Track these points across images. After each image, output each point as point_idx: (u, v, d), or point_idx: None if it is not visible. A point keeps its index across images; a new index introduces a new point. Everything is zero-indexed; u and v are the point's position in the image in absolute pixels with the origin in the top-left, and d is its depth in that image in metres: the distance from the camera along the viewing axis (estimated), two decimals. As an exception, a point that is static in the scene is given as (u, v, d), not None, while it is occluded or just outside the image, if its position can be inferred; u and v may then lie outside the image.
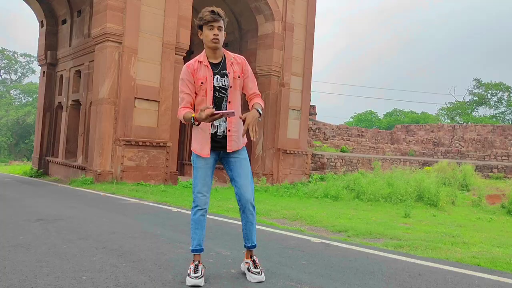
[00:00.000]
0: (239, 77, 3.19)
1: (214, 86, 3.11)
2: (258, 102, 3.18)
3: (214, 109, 2.89)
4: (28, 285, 2.87)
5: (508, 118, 47.45)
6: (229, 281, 3.14)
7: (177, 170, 14.28)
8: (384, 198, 12.10)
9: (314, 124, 26.35)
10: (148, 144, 12.44)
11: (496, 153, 23.92)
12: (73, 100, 15.08)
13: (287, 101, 16.24)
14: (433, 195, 12.13)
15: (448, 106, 50.09)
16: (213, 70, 3.12)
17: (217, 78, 3.12)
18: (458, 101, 49.93)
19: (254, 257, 3.21)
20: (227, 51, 3.25)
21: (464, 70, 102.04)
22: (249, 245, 3.23)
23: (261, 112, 3.10)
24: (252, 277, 3.11)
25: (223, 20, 3.09)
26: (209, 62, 3.14)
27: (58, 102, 16.30)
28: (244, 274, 3.25)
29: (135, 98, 12.32)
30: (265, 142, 16.19)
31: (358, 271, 3.66)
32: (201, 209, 3.12)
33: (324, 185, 13.89)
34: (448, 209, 11.66)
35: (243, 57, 3.31)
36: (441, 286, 3.32)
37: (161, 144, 12.74)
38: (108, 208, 7.21)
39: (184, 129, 19.61)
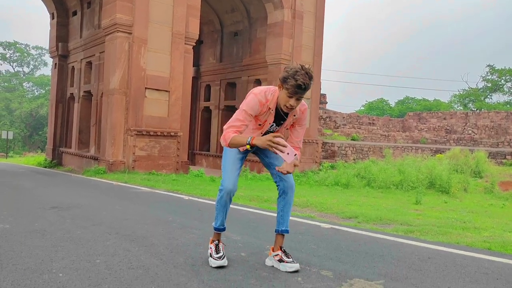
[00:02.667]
0: (287, 128, 3.22)
1: (267, 130, 3.13)
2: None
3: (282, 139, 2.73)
4: (44, 268, 2.95)
5: (522, 104, 46.68)
6: (239, 264, 3.20)
7: (188, 159, 14.39)
8: (395, 185, 12.08)
9: (325, 112, 26.25)
10: (159, 134, 12.54)
11: (510, 139, 23.63)
12: (84, 91, 15.23)
13: (297, 90, 16.16)
14: (444, 182, 12.08)
15: (461, 93, 49.43)
16: (274, 119, 3.07)
17: (273, 125, 3.11)
18: (471, 88, 49.23)
19: (284, 248, 3.16)
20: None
21: (478, 56, 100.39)
22: (283, 228, 3.14)
23: (297, 161, 2.94)
24: (288, 267, 3.02)
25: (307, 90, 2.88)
26: (276, 110, 3.04)
27: (70, 93, 16.47)
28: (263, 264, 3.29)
29: (146, 88, 12.40)
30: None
31: (367, 255, 3.69)
32: (229, 192, 3.06)
33: (334, 173, 13.90)
34: (460, 196, 11.60)
35: (307, 106, 3.17)
36: (450, 269, 3.33)
37: (172, 133, 12.83)
38: (121, 197, 7.32)
39: (195, 119, 19.72)
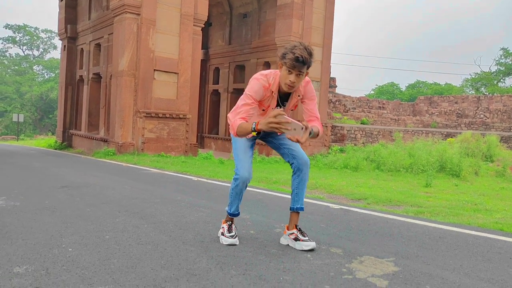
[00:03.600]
0: (292, 110, 3.16)
1: None
2: (316, 126, 3.01)
3: (285, 116, 2.63)
4: (54, 243, 2.96)
5: (536, 88, 45.82)
6: (249, 241, 3.18)
7: (196, 142, 14.39)
8: (405, 168, 11.97)
9: (334, 96, 26.03)
10: (168, 116, 12.52)
11: (523, 124, 23.28)
12: (93, 74, 15.22)
13: (306, 72, 15.99)
14: (455, 165, 11.93)
15: (473, 77, 48.66)
16: (277, 102, 3.02)
17: (277, 108, 3.03)
18: (484, 72, 48.42)
19: (299, 226, 3.12)
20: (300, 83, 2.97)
21: (491, 39, 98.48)
22: (298, 206, 3.08)
23: (314, 134, 2.93)
24: (304, 245, 2.97)
25: (307, 65, 2.81)
26: (279, 93, 2.99)
27: (80, 75, 16.48)
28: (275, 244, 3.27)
29: (154, 70, 12.34)
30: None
31: (377, 234, 3.66)
32: (245, 180, 3.00)
33: (343, 156, 13.81)
34: (470, 179, 11.46)
35: (308, 79, 3.10)
36: (462, 248, 3.29)
37: (181, 116, 12.81)
38: (130, 177, 7.35)
39: (203, 102, 19.67)
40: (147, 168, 9.09)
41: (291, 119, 2.64)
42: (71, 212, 4.04)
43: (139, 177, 7.44)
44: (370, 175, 11.09)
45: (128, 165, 9.75)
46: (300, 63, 2.74)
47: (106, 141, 13.06)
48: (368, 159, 13.09)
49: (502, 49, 46.55)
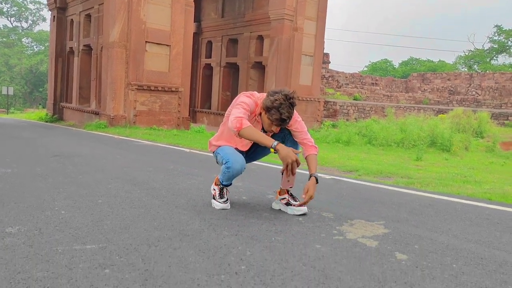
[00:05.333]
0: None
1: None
2: (314, 158, 3.05)
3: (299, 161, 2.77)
4: (46, 206, 2.96)
5: (528, 66, 45.97)
6: (241, 206, 3.21)
7: (189, 116, 14.32)
8: (396, 143, 12.05)
9: (327, 72, 25.91)
10: (160, 89, 12.41)
11: (514, 101, 23.44)
12: (84, 45, 14.96)
13: (300, 47, 15.88)
14: (446, 140, 12.03)
15: (466, 54, 48.60)
16: (262, 128, 3.01)
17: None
18: (477, 49, 48.35)
19: (291, 191, 3.14)
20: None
21: (486, 16, 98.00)
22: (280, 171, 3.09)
23: (317, 177, 3.00)
24: (296, 210, 3.00)
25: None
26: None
27: (70, 47, 16.18)
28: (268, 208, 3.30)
29: (146, 42, 12.15)
30: (278, 88, 16.01)
31: (368, 200, 3.70)
32: (238, 172, 2.95)
33: (336, 131, 13.86)
34: (461, 154, 11.59)
35: (297, 118, 3.01)
36: (451, 214, 3.35)
37: (173, 89, 12.70)
38: (122, 148, 7.33)
39: (196, 76, 19.49)
40: (139, 140, 9.06)
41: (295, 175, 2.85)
42: (64, 179, 4.03)
43: (131, 148, 7.42)
44: (361, 149, 11.16)
45: (120, 137, 9.70)
46: (286, 122, 2.82)
47: (98, 114, 12.96)
48: (360, 134, 13.15)
49: (496, 26, 46.39)
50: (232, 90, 18.72)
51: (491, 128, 16.25)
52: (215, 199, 3.12)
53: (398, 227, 2.80)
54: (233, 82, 18.66)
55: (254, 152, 3.15)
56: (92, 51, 14.40)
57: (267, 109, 2.81)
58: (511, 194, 4.82)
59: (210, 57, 19.38)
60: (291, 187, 2.81)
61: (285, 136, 3.00)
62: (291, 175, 2.75)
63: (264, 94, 2.94)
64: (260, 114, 2.92)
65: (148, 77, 12.24)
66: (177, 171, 4.79)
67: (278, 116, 2.77)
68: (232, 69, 18.55)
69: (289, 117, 2.80)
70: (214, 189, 3.17)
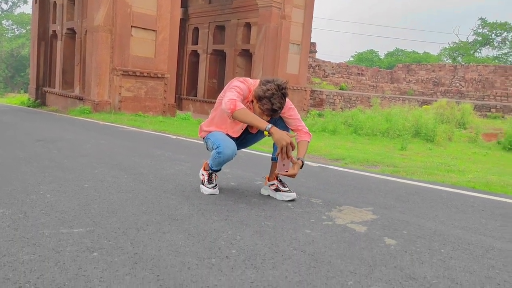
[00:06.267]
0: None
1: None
2: (305, 144, 3.00)
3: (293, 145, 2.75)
4: (31, 190, 2.90)
5: (510, 59, 46.71)
6: (230, 191, 3.20)
7: (175, 103, 14.19)
8: (381, 133, 12.15)
9: (314, 61, 25.90)
10: (145, 74, 12.25)
11: (496, 93, 23.81)
12: (67, 29, 14.64)
13: (287, 35, 15.80)
14: (430, 130, 12.18)
15: (451, 46, 49.09)
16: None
17: None
18: (462, 41, 48.86)
19: (280, 177, 3.10)
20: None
21: (471, 8, 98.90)
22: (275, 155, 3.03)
23: (303, 162, 2.95)
24: (285, 196, 2.99)
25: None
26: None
27: (53, 30, 15.83)
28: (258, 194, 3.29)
29: (132, 26, 11.94)
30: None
31: (355, 188, 3.72)
32: (229, 158, 2.89)
33: (322, 121, 13.90)
34: (444, 144, 11.75)
35: (290, 105, 3.01)
36: (437, 201, 3.39)
37: (159, 75, 12.55)
38: (107, 133, 7.23)
39: (182, 63, 19.27)
40: (125, 126, 8.95)
41: (292, 158, 2.81)
42: (49, 163, 3.95)
43: (116, 133, 7.33)
44: (347, 138, 11.22)
45: (105, 123, 9.57)
46: (278, 113, 2.80)
47: (82, 99, 12.75)
48: (346, 123, 13.22)
49: (480, 19, 46.89)
50: (218, 78, 18.60)
51: (474, 120, 16.51)
52: (203, 184, 3.10)
53: (386, 213, 2.82)
54: (220, 69, 18.52)
55: (245, 139, 3.13)
56: (76, 35, 14.11)
57: (259, 98, 2.79)
58: (494, 183, 4.91)
59: (197, 44, 19.17)
60: (286, 171, 2.79)
61: (276, 121, 2.98)
62: (286, 159, 2.73)
63: (257, 81, 2.91)
64: (252, 101, 2.89)
65: (133, 62, 12.05)
66: (164, 157, 4.75)
67: (270, 106, 2.75)
68: (219, 57, 18.39)
69: (281, 108, 2.79)
70: (203, 174, 3.14)
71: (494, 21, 45.99)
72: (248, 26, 16.85)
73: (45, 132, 6.78)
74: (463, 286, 1.71)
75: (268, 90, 2.74)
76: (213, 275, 1.71)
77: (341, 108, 17.63)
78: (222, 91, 3.02)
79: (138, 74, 12.09)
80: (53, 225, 2.22)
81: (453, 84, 28.21)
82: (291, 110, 3.00)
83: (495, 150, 11.49)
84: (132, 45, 12.02)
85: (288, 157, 2.74)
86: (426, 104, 19.72)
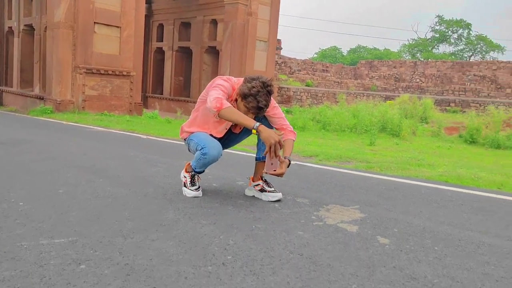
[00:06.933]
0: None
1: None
2: (291, 143, 2.94)
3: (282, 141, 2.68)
4: (1, 198, 2.71)
5: (466, 55, 48.61)
6: (213, 193, 3.11)
7: (141, 101, 13.86)
8: (349, 128, 12.34)
9: (280, 58, 26.00)
10: (110, 72, 11.87)
11: (454, 88, 24.71)
12: (25, 25, 13.99)
13: (254, 32, 15.75)
14: (395, 126, 12.47)
15: (410, 42, 50.56)
16: None
17: None
18: (420, 38, 50.41)
19: (265, 177, 3.04)
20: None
21: (428, 6, 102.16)
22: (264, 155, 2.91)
23: (290, 161, 2.86)
24: (271, 196, 2.94)
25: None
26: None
27: (9, 27, 15.09)
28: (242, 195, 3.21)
29: (95, 22, 11.53)
30: (231, 74, 15.83)
31: (336, 185, 3.72)
32: (214, 159, 2.80)
33: (290, 117, 13.95)
34: (409, 139, 12.06)
35: (274, 104, 2.92)
36: (418, 197, 3.43)
37: (125, 73, 12.20)
38: (74, 134, 6.95)
39: (146, 60, 18.86)
40: (91, 126, 8.63)
41: (280, 157, 2.74)
42: (14, 168, 3.73)
43: (83, 134, 7.05)
44: (317, 135, 11.31)
45: (69, 123, 9.21)
46: (263, 111, 2.74)
47: (43, 99, 12.23)
48: (314, 119, 13.32)
49: (438, 16, 48.53)
50: (185, 75, 18.32)
51: (435, 114, 17.07)
52: (186, 187, 3.00)
53: (372, 211, 2.82)
54: (186, 67, 18.24)
55: (228, 139, 3.05)
56: (35, 32, 13.51)
57: (244, 96, 2.71)
58: (465, 176, 5.05)
59: (162, 41, 18.79)
60: (274, 171, 2.72)
61: (259, 120, 2.92)
62: (274, 158, 2.68)
63: (241, 79, 2.84)
64: (236, 100, 2.82)
65: (97, 60, 11.66)
66: (138, 158, 4.59)
67: (255, 104, 2.69)
68: (185, 54, 18.11)
69: (267, 105, 2.73)
70: (185, 177, 3.04)
71: (451, 19, 47.69)
72: (214, 23, 16.68)
73: (4, 135, 6.44)
74: (464, 285, 1.71)
75: (254, 87, 2.68)
76: (212, 285, 1.64)
77: (308, 104, 17.77)
78: (204, 90, 2.92)
79: (102, 72, 11.71)
80: (31, 236, 2.07)
81: (414, 80, 29.04)
82: (275, 108, 2.95)
83: (458, 143, 11.91)
84: (95, 42, 11.61)
85: (276, 156, 2.68)
86: (390, 100, 20.19)
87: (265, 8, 16.03)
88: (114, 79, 12.03)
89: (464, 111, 19.39)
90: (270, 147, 2.63)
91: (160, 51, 18.88)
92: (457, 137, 12.95)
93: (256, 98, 2.68)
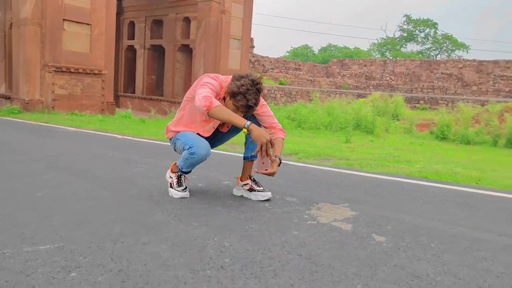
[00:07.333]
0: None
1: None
2: (281, 141, 2.90)
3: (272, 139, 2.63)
4: (-24, 203, 2.56)
5: (432, 54, 49.92)
6: (200, 193, 3.04)
7: (113, 100, 13.54)
8: (324, 126, 12.43)
9: (253, 56, 25.96)
10: (81, 71, 11.54)
11: (423, 86, 25.34)
12: (-12, 22, 13.40)
13: (228, 30, 15.65)
14: (369, 123, 12.65)
15: (379, 41, 51.51)
16: None
17: None
18: (389, 37, 51.43)
19: (254, 177, 2.99)
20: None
21: (397, 5, 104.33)
22: (253, 153, 2.88)
23: (281, 159, 2.82)
24: (260, 195, 2.89)
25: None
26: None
27: (-29, 23, 14.42)
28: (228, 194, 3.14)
29: (64, 20, 11.17)
30: (205, 72, 15.66)
31: (321, 183, 3.71)
32: (203, 158, 2.73)
33: (266, 115, 13.95)
34: (383, 136, 12.26)
35: (263, 102, 2.87)
36: (402, 194, 3.46)
37: (96, 71, 11.88)
38: (45, 135, 6.69)
39: (118, 59, 18.45)
40: (62, 127, 8.35)
41: (271, 156, 2.69)
42: (-13, 171, 3.54)
43: (56, 135, 6.81)
44: (293, 133, 11.33)
45: (39, 123, 8.88)
46: (252, 109, 2.68)
47: (9, 98, 11.76)
48: (289, 118, 13.36)
49: (405, 15, 49.61)
50: (157, 74, 18.03)
51: (405, 111, 17.45)
52: (172, 188, 2.91)
53: (363, 209, 2.82)
54: (159, 65, 17.95)
55: (214, 138, 2.98)
56: (-1, 29, 12.97)
57: (233, 95, 2.65)
58: (442, 172, 5.14)
59: (133, 39, 18.44)
60: (266, 170, 2.68)
61: (248, 118, 2.87)
62: (265, 157, 2.63)
63: (229, 77, 2.77)
64: (224, 98, 2.75)
65: (67, 58, 11.30)
66: (118, 159, 4.45)
67: (245, 103, 2.63)
68: (157, 52, 17.83)
69: (256, 104, 2.68)
70: (171, 177, 2.95)
71: (418, 18, 48.85)
72: (187, 20, 16.48)
73: (-27, 136, 6.14)
74: (466, 281, 1.71)
75: (243, 85, 2.62)
76: (213, 289, 1.57)
77: (283, 103, 17.82)
78: (190, 88, 2.85)
79: (72, 70, 11.36)
80: (14, 243, 1.95)
81: (384, 78, 29.59)
82: (264, 107, 2.90)
83: (429, 140, 12.18)
84: (65, 39, 11.25)
85: (267, 155, 2.64)
86: (362, 97, 20.50)
87: (238, 6, 15.95)
88: (85, 78, 11.70)
89: (433, 108, 19.92)
90: (261, 146, 2.58)
91: (131, 49, 18.52)
92: (428, 133, 13.25)
93: (246, 96, 2.62)
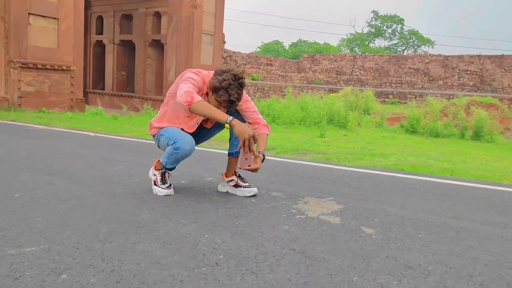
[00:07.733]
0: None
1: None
2: (265, 137, 2.89)
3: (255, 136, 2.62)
4: (-50, 206, 2.44)
5: (400, 49, 51.05)
6: (185, 190, 3.00)
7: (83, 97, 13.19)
8: (298, 121, 12.52)
9: (225, 52, 25.82)
10: (48, 67, 11.17)
11: (391, 81, 25.88)
12: None
13: (200, 25, 15.48)
14: (342, 117, 12.83)
15: (349, 37, 52.24)
16: None
17: None
18: (358, 33, 52.22)
19: (239, 172, 2.97)
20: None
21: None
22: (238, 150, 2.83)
23: (265, 155, 2.81)
24: (246, 191, 2.88)
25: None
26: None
27: None
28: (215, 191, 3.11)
29: (29, 14, 10.78)
30: (178, 68, 15.48)
31: (304, 178, 3.73)
32: (187, 153, 2.69)
33: (239, 111, 13.94)
34: (356, 130, 12.47)
35: (246, 98, 2.87)
36: (384, 186, 3.52)
37: (64, 67, 11.53)
38: (14, 133, 6.46)
39: (86, 54, 17.97)
40: (31, 125, 8.07)
41: (254, 151, 2.68)
42: (-43, 172, 3.38)
43: (25, 133, 6.58)
44: (267, 128, 11.38)
45: (5, 122, 8.55)
46: (235, 104, 2.66)
47: (-28, 96, 11.26)
48: (263, 113, 13.37)
49: (373, 11, 50.47)
50: (128, 70, 17.68)
51: (375, 106, 17.80)
52: (156, 185, 2.86)
53: (348, 202, 2.85)
54: (129, 61, 17.59)
55: (198, 134, 2.94)
56: (-40, 23, 12.39)
57: (215, 90, 2.62)
58: (417, 164, 5.27)
59: (102, 34, 17.99)
60: (249, 166, 2.67)
61: (232, 114, 2.84)
62: (248, 153, 2.61)
63: (212, 72, 2.74)
64: (207, 94, 2.72)
65: (33, 54, 10.92)
66: (95, 157, 4.34)
67: (227, 98, 2.60)
68: (127, 47, 17.46)
69: (239, 99, 2.66)
70: (155, 175, 2.90)
71: (385, 14, 49.79)
72: (158, 15, 16.21)
73: None
74: (457, 270, 1.76)
75: (225, 80, 2.60)
76: (211, 287, 1.56)
77: (257, 98, 17.82)
78: (173, 84, 2.80)
79: (39, 66, 10.99)
80: (-3, 247, 1.87)
81: (354, 73, 30.01)
82: (247, 102, 2.89)
83: (400, 133, 12.48)
84: (30, 34, 10.86)
85: (250, 150, 2.62)
86: (333, 93, 20.75)
87: (210, 1, 15.80)
88: (52, 74, 11.34)
89: (402, 103, 20.37)
90: (244, 142, 2.56)
91: (100, 45, 18.08)
92: (398, 127, 13.56)
93: (228, 91, 2.60)
